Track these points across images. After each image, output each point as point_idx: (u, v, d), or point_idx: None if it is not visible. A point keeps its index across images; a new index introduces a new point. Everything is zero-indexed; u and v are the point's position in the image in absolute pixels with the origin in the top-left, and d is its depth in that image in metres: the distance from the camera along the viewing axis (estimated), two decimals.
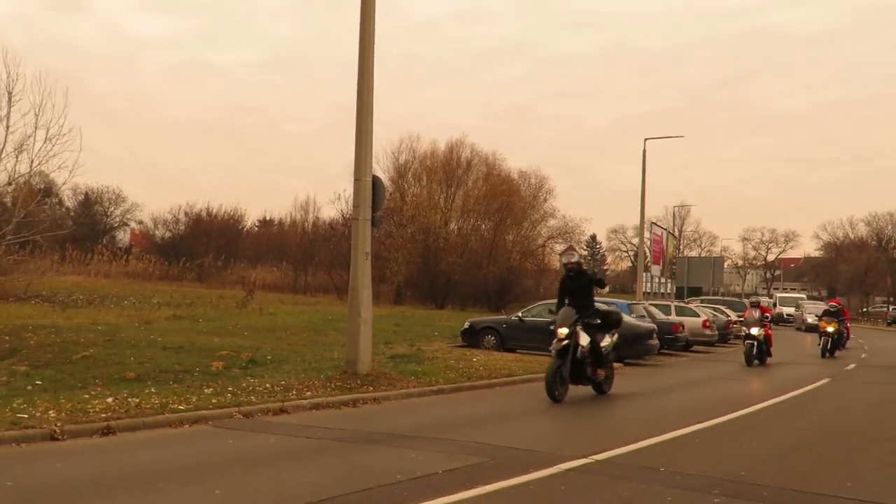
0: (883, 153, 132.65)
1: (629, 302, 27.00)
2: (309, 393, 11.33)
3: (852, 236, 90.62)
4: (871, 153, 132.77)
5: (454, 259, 46.02)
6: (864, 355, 27.20)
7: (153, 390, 10.60)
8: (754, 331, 21.23)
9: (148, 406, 9.48)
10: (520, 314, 21.75)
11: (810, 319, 44.42)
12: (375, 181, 13.29)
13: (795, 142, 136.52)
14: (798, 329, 43.76)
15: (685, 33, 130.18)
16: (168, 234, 59.67)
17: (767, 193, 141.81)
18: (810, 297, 72.41)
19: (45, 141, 23.82)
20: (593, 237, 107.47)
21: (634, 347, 19.71)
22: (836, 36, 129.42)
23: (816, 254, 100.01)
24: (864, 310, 75.54)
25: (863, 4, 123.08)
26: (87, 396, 9.86)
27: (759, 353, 21.39)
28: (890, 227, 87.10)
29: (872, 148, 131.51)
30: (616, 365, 18.58)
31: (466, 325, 22.01)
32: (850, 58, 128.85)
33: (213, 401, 10.14)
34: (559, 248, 62.15)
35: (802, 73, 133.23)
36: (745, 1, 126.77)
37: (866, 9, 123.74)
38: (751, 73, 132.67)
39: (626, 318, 20.89)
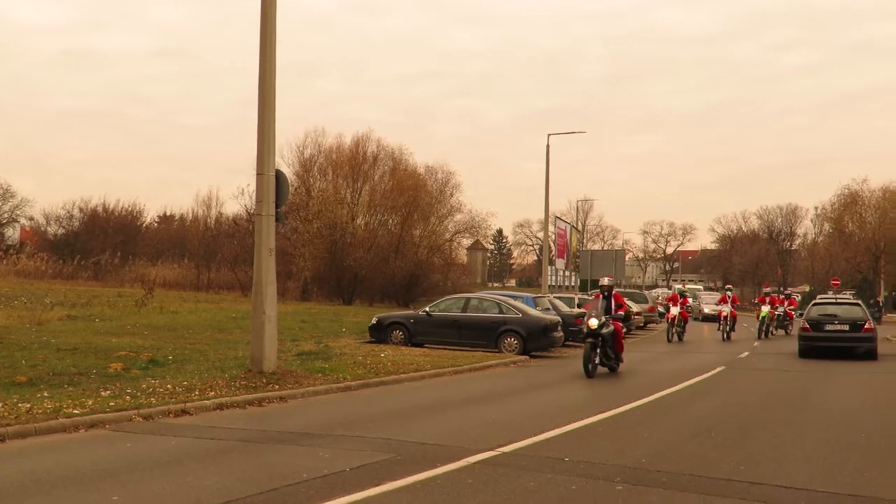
0: (766, 151, 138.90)
1: (534, 295, 27.47)
2: (212, 393, 11.10)
3: (745, 229, 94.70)
4: (755, 151, 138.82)
5: (361, 254, 45.77)
6: (756, 343, 28.40)
7: (46, 394, 10.19)
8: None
9: (40, 411, 9.08)
10: (427, 309, 21.80)
11: (707, 309, 46.22)
12: (279, 176, 13.10)
13: (685, 139, 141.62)
14: (696, 319, 45.32)
15: (574, 31, 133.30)
16: (62, 231, 57.44)
17: (664, 189, 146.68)
18: (707, 288, 75.26)
19: None
20: (500, 232, 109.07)
21: (540, 340, 20.09)
22: (714, 38, 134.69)
23: (712, 246, 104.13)
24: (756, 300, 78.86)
25: (736, 9, 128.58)
26: None
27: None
28: (780, 220, 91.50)
29: (756, 146, 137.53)
30: (521, 357, 19.03)
31: (374, 320, 21.93)
32: (729, 59, 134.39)
33: (111, 403, 9.82)
34: (466, 242, 62.84)
35: (687, 73, 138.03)
36: (625, 1, 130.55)
37: (740, 13, 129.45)
38: (639, 72, 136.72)
39: (531, 310, 21.29)
